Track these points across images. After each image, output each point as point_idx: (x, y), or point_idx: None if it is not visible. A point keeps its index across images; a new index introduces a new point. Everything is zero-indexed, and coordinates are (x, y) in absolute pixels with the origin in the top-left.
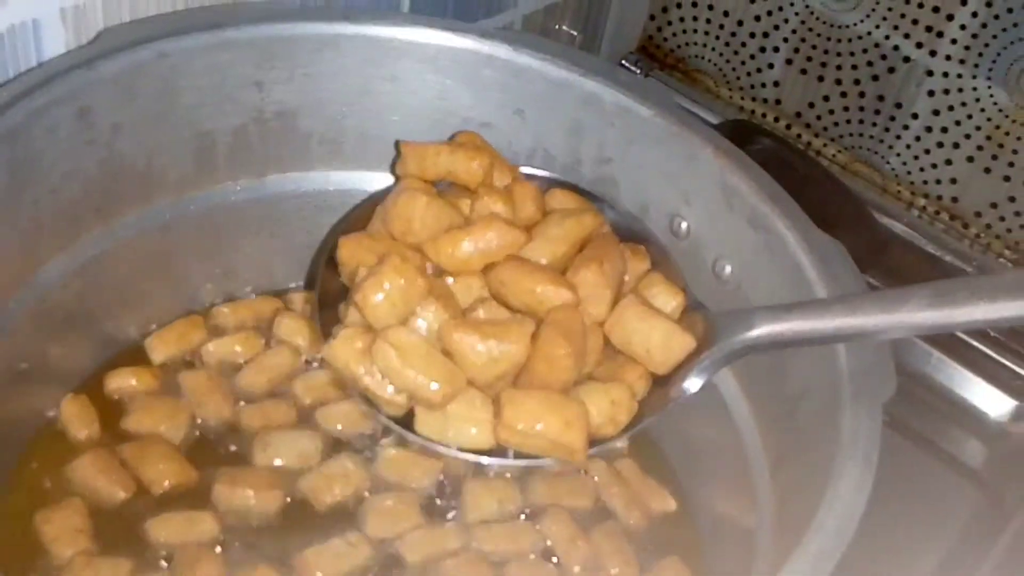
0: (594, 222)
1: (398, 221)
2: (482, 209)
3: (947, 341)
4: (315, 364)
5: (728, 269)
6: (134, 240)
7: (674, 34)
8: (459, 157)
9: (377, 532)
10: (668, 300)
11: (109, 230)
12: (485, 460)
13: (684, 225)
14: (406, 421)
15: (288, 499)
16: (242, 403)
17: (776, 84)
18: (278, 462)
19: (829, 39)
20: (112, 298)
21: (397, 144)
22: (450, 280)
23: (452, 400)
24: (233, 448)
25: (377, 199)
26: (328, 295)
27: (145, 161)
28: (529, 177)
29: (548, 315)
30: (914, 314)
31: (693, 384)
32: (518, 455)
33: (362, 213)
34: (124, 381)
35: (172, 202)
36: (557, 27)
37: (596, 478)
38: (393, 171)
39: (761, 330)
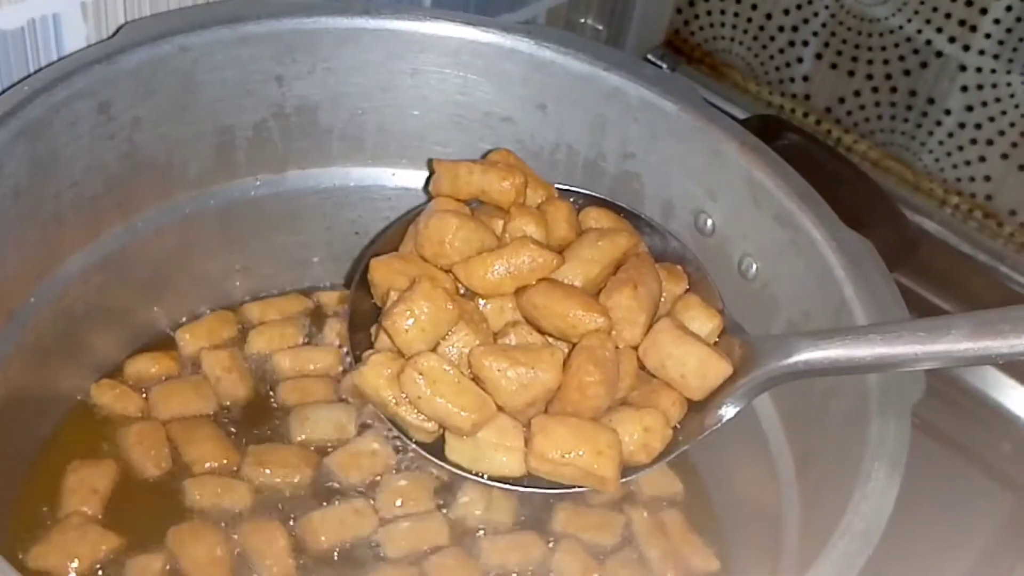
0: (629, 242)
1: (429, 243)
2: (515, 230)
3: None
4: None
5: (754, 267)
6: (154, 234)
7: (701, 28)
8: (492, 176)
9: (385, 509)
10: (704, 323)
11: (130, 224)
12: (516, 489)
13: (709, 222)
14: (437, 447)
15: (316, 474)
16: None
17: (806, 79)
18: (314, 435)
19: (860, 33)
20: (133, 292)
21: (430, 163)
22: (482, 303)
23: (482, 428)
24: (265, 427)
25: (411, 218)
26: (360, 316)
27: (165, 155)
28: (564, 194)
29: (580, 341)
30: (955, 345)
31: (729, 411)
32: (550, 483)
33: (396, 232)
34: (145, 366)
35: (192, 197)
36: (582, 21)
37: (634, 527)
38: (426, 190)
39: (800, 357)
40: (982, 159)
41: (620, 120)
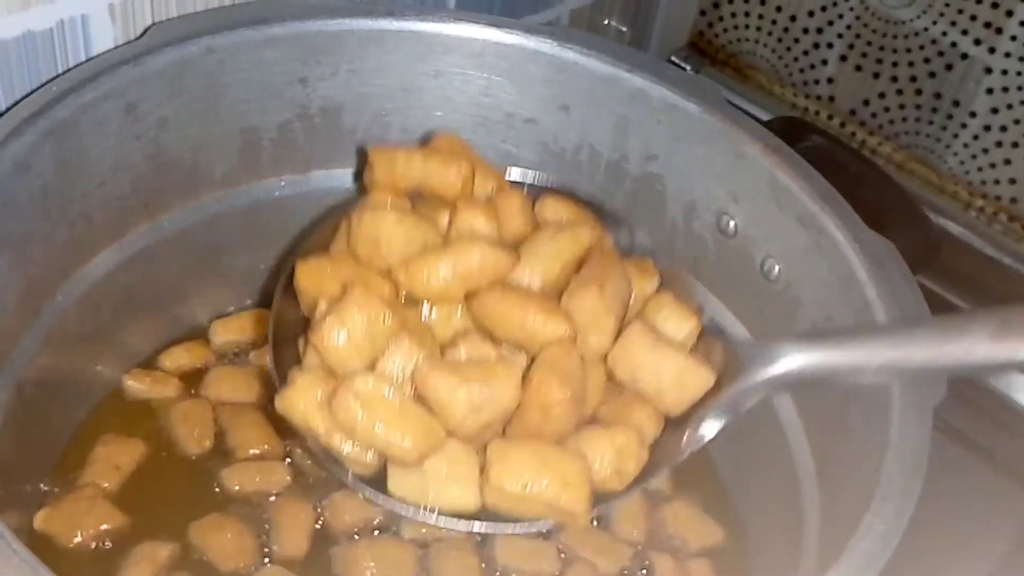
0: (591, 236)
1: (363, 243)
2: (462, 225)
3: None
4: None
5: (777, 269)
6: (180, 234)
7: (725, 30)
8: (434, 164)
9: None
10: (680, 326)
11: (156, 224)
12: (470, 527)
13: (732, 224)
14: (378, 480)
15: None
16: None
17: (830, 81)
18: None
19: (885, 35)
20: (159, 291)
21: (361, 151)
22: (426, 310)
23: (429, 457)
24: None
25: (343, 213)
26: (286, 327)
27: (191, 156)
28: (517, 184)
29: (541, 352)
30: (974, 348)
31: (711, 427)
32: (510, 518)
33: (326, 230)
34: (179, 355)
35: (218, 197)
36: (605, 22)
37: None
38: (358, 181)
39: (792, 364)
40: (1007, 162)
41: (643, 121)
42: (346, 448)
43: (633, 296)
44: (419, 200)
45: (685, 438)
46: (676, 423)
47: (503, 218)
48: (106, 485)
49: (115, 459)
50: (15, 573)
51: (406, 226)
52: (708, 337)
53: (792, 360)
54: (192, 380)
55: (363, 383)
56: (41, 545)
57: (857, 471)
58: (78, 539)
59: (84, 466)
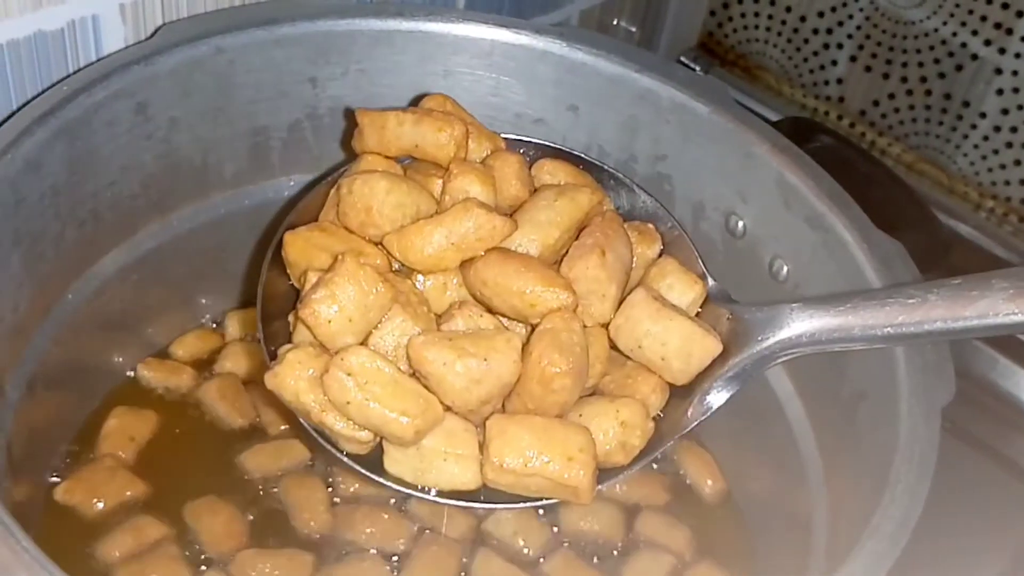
0: (591, 200)
1: (354, 211)
2: (456, 191)
3: (1015, 347)
4: None
5: (785, 269)
6: (190, 233)
7: (735, 30)
8: (426, 127)
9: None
10: (685, 292)
11: (166, 223)
12: (471, 505)
13: (741, 224)
14: (374, 459)
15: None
16: None
17: (840, 82)
18: None
19: (895, 36)
20: (169, 289)
21: (350, 113)
22: (421, 280)
23: (426, 434)
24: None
25: (333, 180)
26: (275, 301)
27: (201, 156)
28: (513, 145)
29: (541, 323)
30: (992, 308)
31: (719, 397)
32: (511, 497)
33: (316, 198)
34: (192, 342)
35: (227, 197)
36: (615, 23)
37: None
38: (348, 146)
39: (801, 327)
40: (1017, 163)
41: (652, 122)
42: (340, 426)
43: (635, 262)
44: (411, 164)
45: (691, 409)
46: (682, 393)
47: (499, 183)
48: (123, 456)
49: (129, 431)
50: (26, 571)
51: (398, 193)
52: (713, 304)
53: (801, 325)
54: (204, 368)
55: (356, 358)
56: (62, 517)
57: (865, 472)
58: (100, 507)
59: (99, 437)
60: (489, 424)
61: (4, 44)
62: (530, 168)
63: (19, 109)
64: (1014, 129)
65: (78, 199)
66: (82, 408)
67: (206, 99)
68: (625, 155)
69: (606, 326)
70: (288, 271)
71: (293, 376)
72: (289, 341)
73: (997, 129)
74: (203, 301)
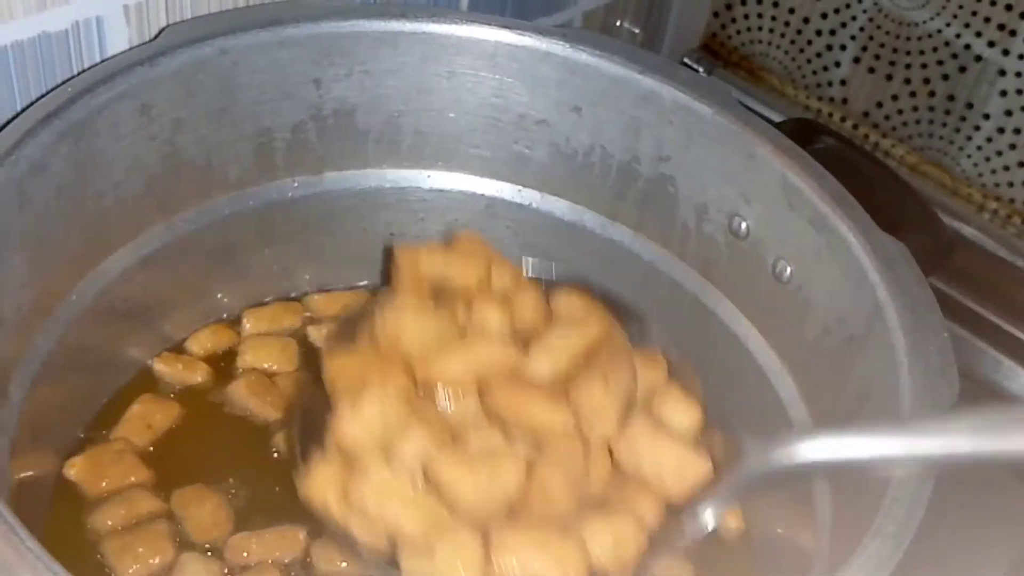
0: (600, 330)
1: (386, 338)
2: (477, 319)
3: (1019, 349)
4: None
5: (788, 271)
6: (194, 234)
7: (738, 31)
8: (453, 262)
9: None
10: (684, 416)
11: (170, 224)
12: None
13: (744, 225)
14: (394, 558)
15: None
16: None
17: (843, 83)
18: None
19: (898, 37)
20: (173, 290)
21: (388, 250)
22: (441, 398)
23: (437, 543)
24: None
25: (374, 302)
26: (313, 402)
27: (205, 157)
28: (534, 278)
29: (545, 443)
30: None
31: (712, 515)
32: None
33: (358, 317)
34: (207, 337)
35: (231, 198)
36: (618, 24)
37: None
38: (385, 277)
39: (796, 455)
40: (1021, 164)
41: (655, 123)
42: (362, 532)
43: (641, 387)
44: (442, 292)
45: (686, 526)
46: (679, 510)
47: (518, 311)
48: (137, 442)
49: (148, 418)
50: (29, 570)
51: (424, 323)
52: (712, 427)
53: (796, 452)
54: (218, 365)
55: (376, 473)
56: (68, 493)
57: (868, 472)
58: (104, 485)
59: (119, 421)
60: (494, 536)
61: (8, 46)
62: (549, 298)
63: (23, 111)
64: (1018, 131)
65: (82, 201)
66: (90, 407)
67: (210, 100)
68: (628, 156)
69: (610, 444)
70: (327, 386)
71: (323, 487)
72: (320, 443)
73: (1001, 131)
74: (207, 304)
